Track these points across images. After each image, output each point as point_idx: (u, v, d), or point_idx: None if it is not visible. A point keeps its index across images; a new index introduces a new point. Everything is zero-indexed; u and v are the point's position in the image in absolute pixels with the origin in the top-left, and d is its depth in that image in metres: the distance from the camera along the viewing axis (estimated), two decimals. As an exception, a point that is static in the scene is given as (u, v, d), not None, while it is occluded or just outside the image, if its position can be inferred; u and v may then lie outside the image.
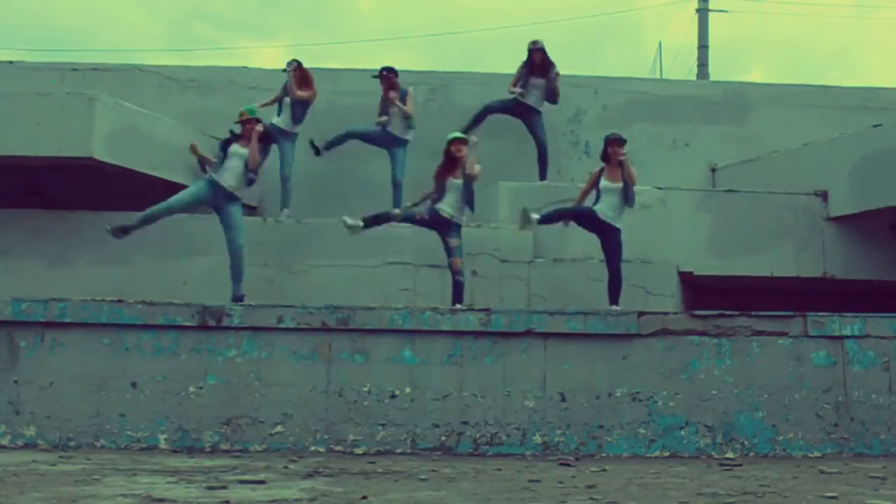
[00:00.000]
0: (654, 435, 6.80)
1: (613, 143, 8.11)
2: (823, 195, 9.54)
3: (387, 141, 9.68)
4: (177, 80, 11.08)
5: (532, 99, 9.93)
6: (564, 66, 10.03)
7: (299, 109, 9.52)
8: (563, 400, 6.84)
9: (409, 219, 8.03)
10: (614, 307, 7.76)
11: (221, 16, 61.96)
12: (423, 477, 5.32)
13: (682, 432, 6.80)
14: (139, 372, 6.81)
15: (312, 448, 6.71)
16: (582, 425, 6.80)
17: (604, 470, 5.79)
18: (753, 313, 7.01)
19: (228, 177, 7.99)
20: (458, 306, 7.58)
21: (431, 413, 6.80)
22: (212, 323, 6.88)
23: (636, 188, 8.11)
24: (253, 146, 8.06)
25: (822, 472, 5.75)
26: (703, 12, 19.15)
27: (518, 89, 9.88)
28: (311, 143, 9.71)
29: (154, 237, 8.76)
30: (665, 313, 7.20)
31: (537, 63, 9.88)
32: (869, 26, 53.31)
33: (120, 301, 6.97)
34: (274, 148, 9.21)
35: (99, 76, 10.85)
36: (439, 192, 7.98)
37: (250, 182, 8.20)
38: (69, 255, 8.74)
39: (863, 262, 9.40)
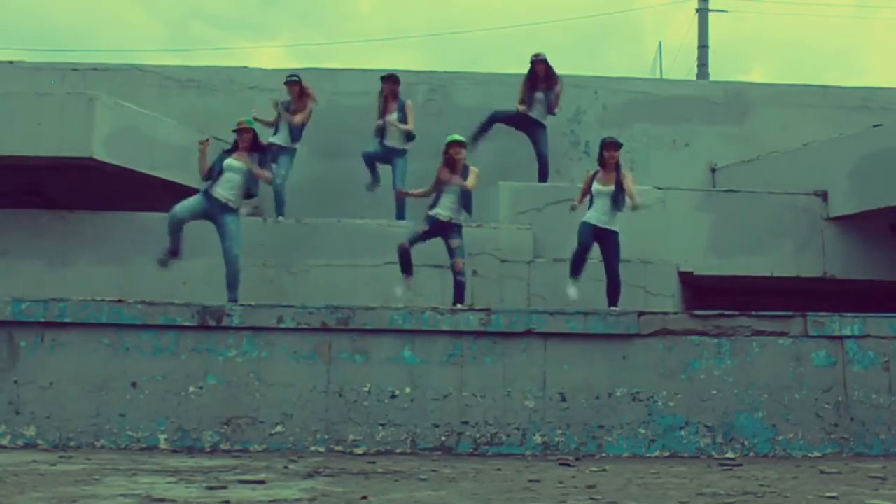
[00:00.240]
0: (654, 435, 6.80)
1: (609, 146, 8.10)
2: (823, 195, 9.54)
3: (387, 154, 9.66)
4: (177, 80, 11.07)
5: (536, 112, 9.90)
6: (564, 66, 10.04)
7: (297, 131, 9.50)
8: (563, 400, 6.84)
9: (418, 240, 8.01)
10: (615, 308, 7.76)
11: (221, 16, 62.00)
12: (423, 477, 5.32)
13: (682, 432, 6.80)
14: (139, 372, 6.81)
15: (312, 448, 6.71)
16: (582, 425, 6.81)
17: (604, 470, 5.79)
18: (753, 313, 7.01)
19: (224, 190, 7.94)
20: (459, 306, 7.59)
21: (431, 413, 6.80)
22: (212, 323, 6.88)
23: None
24: (257, 170, 8.09)
25: (822, 472, 5.75)
26: (703, 12, 19.14)
27: (522, 106, 9.85)
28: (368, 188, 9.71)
29: (154, 237, 8.75)
30: (665, 313, 7.20)
31: (541, 75, 9.85)
32: (869, 26, 53.34)
33: (120, 301, 6.97)
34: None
35: (99, 76, 10.85)
36: (435, 197, 8.00)
37: (248, 196, 8.17)
38: (69, 255, 8.73)
39: (863, 262, 9.41)
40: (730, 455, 6.70)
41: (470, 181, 7.98)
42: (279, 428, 6.76)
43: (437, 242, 8.05)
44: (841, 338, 6.96)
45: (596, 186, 8.02)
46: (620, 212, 8.00)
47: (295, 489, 4.73)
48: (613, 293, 7.91)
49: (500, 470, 5.74)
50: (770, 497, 4.63)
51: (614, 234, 7.96)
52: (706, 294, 9.58)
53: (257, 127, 8.42)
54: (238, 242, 8.00)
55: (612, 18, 58.59)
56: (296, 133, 9.49)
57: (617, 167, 8.06)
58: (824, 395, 6.88)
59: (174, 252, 8.00)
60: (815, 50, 59.16)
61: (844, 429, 6.85)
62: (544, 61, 9.85)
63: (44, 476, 5.13)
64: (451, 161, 8.01)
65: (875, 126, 9.53)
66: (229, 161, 8.01)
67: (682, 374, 6.88)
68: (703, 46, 18.82)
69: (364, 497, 4.46)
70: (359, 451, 6.69)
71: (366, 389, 6.82)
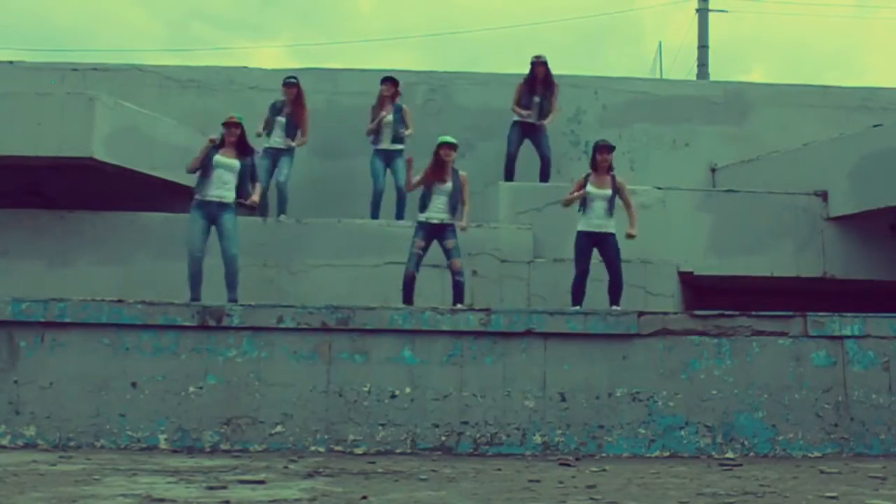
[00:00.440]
0: (654, 435, 6.80)
1: (602, 149, 8.10)
2: (823, 195, 9.54)
3: (385, 158, 9.66)
4: (177, 80, 11.07)
5: (535, 117, 9.91)
6: (564, 66, 10.13)
7: (291, 129, 9.46)
8: (563, 400, 6.84)
9: (419, 261, 7.95)
10: (615, 307, 7.76)
11: (221, 16, 62.00)
12: (423, 477, 5.32)
13: (682, 432, 6.80)
14: (139, 372, 6.81)
15: (312, 448, 6.71)
16: (582, 425, 6.81)
17: (604, 470, 5.79)
18: (753, 313, 7.01)
19: (216, 189, 7.92)
20: (459, 306, 7.58)
21: (431, 413, 6.80)
22: (212, 323, 6.88)
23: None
24: (256, 187, 8.14)
25: (822, 472, 5.75)
26: (703, 12, 19.13)
27: (526, 112, 9.83)
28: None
29: (154, 237, 8.78)
30: (665, 313, 7.20)
31: (540, 78, 9.85)
32: (869, 26, 53.34)
33: (120, 301, 6.97)
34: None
35: (99, 76, 10.84)
36: (425, 199, 7.98)
37: (242, 194, 8.16)
38: (69, 255, 8.73)
39: (863, 262, 9.41)
40: (730, 455, 6.70)
41: (466, 194, 8.05)
42: (279, 428, 6.76)
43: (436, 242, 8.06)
44: (841, 338, 6.96)
45: (591, 190, 7.99)
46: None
47: (295, 489, 4.73)
48: (616, 292, 7.91)
49: (500, 470, 5.74)
50: (770, 497, 4.63)
51: (611, 235, 7.95)
52: (706, 294, 9.57)
53: (246, 125, 8.37)
54: (236, 241, 7.98)
55: (612, 18, 58.59)
56: (291, 133, 9.45)
57: (609, 170, 8.07)
58: (824, 395, 6.88)
59: (197, 300, 7.77)
60: (815, 50, 59.18)
61: (844, 429, 6.85)
62: (545, 63, 9.84)
63: (44, 476, 5.13)
64: (441, 162, 8.00)
65: (875, 126, 9.52)
66: (218, 158, 7.98)
67: (682, 374, 6.88)
68: (703, 46, 18.82)
69: (364, 497, 4.46)
70: (359, 451, 6.69)
71: (366, 389, 6.82)
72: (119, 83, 10.68)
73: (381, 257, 8.68)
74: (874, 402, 6.89)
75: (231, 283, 7.88)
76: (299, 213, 9.41)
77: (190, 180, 8.45)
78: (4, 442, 6.71)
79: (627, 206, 8.02)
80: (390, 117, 9.59)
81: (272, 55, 60.16)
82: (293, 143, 9.43)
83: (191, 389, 6.80)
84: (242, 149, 8.14)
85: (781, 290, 9.62)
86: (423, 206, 8.01)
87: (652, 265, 8.84)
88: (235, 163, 8.01)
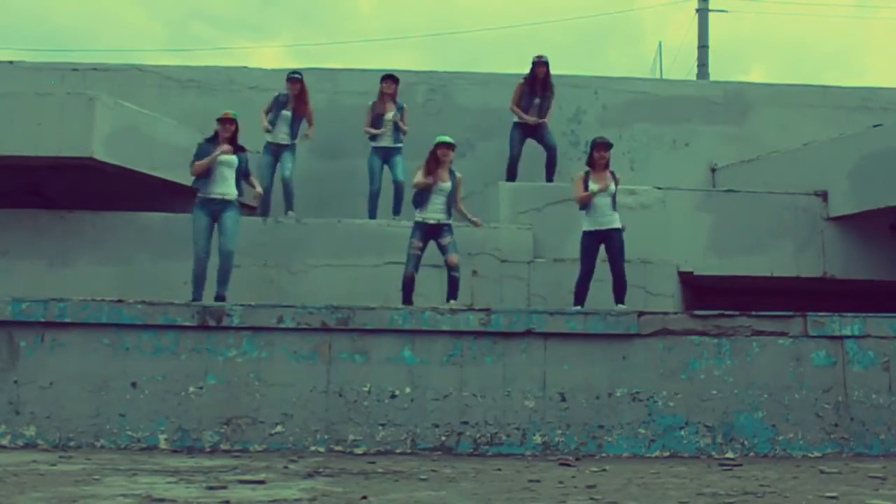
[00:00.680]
0: (654, 435, 6.80)
1: (600, 147, 8.11)
2: (823, 195, 9.54)
3: (383, 155, 9.67)
4: (177, 80, 11.08)
5: (534, 119, 9.91)
6: (564, 66, 10.17)
7: (297, 125, 9.51)
8: (563, 400, 6.84)
9: (418, 262, 7.97)
10: (620, 306, 7.76)
11: (221, 16, 62.00)
12: (423, 477, 5.32)
13: (682, 432, 6.80)
14: (139, 372, 6.81)
15: (312, 448, 6.71)
16: (582, 425, 6.80)
17: (604, 470, 5.79)
18: (753, 313, 7.01)
19: (218, 187, 7.94)
20: (457, 305, 7.58)
21: (431, 413, 6.80)
22: (212, 323, 6.88)
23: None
24: (252, 180, 8.14)
25: (822, 472, 5.75)
26: (703, 12, 19.13)
27: (531, 118, 9.83)
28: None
29: (154, 237, 8.77)
30: (665, 313, 7.20)
31: (540, 78, 9.85)
32: (869, 26, 53.34)
33: (120, 301, 6.97)
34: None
35: (99, 76, 10.85)
36: (422, 198, 7.98)
37: (240, 189, 8.17)
38: (69, 255, 8.73)
39: (863, 262, 9.41)
40: (730, 455, 6.70)
41: (458, 194, 8.11)
42: (279, 428, 6.76)
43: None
44: (841, 338, 6.96)
45: (593, 188, 8.00)
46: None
47: (295, 489, 4.73)
48: (620, 290, 7.92)
49: (500, 470, 5.74)
50: (770, 497, 4.62)
51: (617, 231, 7.96)
52: (706, 294, 9.58)
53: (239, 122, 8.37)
54: (234, 239, 7.99)
55: (612, 18, 58.58)
56: (295, 131, 9.51)
57: (606, 167, 8.08)
58: (824, 395, 6.88)
59: (203, 280, 7.88)
60: (815, 50, 59.18)
61: (844, 429, 6.85)
62: (546, 64, 9.84)
63: (44, 476, 5.13)
64: (439, 162, 8.01)
65: (875, 126, 9.53)
66: (220, 157, 7.99)
67: (682, 374, 6.88)
68: (703, 46, 18.82)
69: (364, 497, 4.45)
70: (359, 451, 6.69)
71: (366, 389, 6.82)
72: (119, 83, 10.69)
73: (381, 257, 8.68)
74: (874, 402, 6.89)
75: (223, 278, 7.88)
76: (299, 212, 9.43)
77: (190, 180, 8.45)
78: (4, 442, 6.71)
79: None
80: (390, 115, 9.60)
81: (272, 55, 60.17)
82: (298, 140, 9.46)
83: (191, 389, 6.80)
84: (236, 145, 8.15)
85: (781, 290, 9.62)
86: (421, 206, 8.01)
87: (652, 265, 8.83)
88: (234, 159, 8.04)
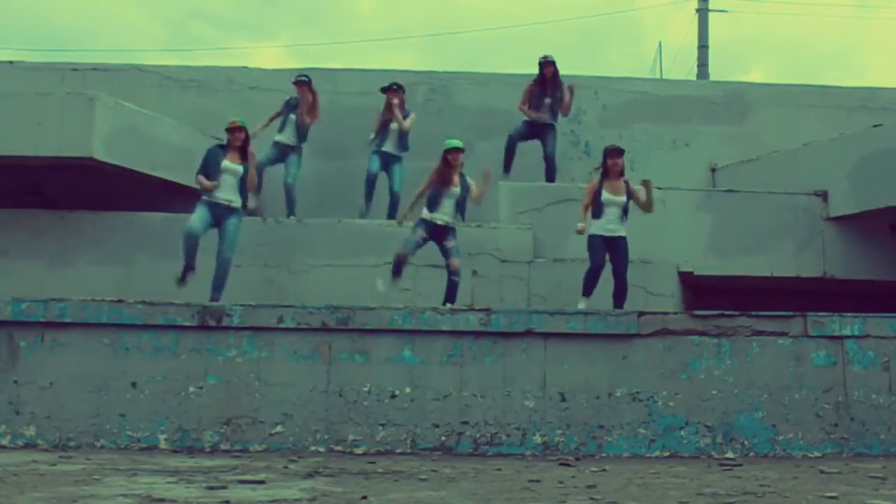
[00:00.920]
0: (654, 435, 6.80)
1: (613, 154, 8.09)
2: (823, 195, 9.54)
3: (386, 164, 9.68)
4: (177, 80, 11.08)
5: (546, 117, 9.92)
6: (564, 66, 10.03)
7: (305, 131, 9.54)
8: (563, 400, 6.84)
9: (417, 248, 8.04)
10: (616, 308, 7.76)
11: (221, 16, 62.00)
12: (423, 477, 5.32)
13: (682, 432, 6.80)
14: (139, 372, 6.81)
15: (312, 448, 6.71)
16: (582, 425, 6.80)
17: (604, 470, 5.79)
18: (753, 313, 7.01)
19: (225, 193, 7.93)
20: (456, 306, 7.58)
21: (431, 413, 6.80)
22: (212, 323, 6.88)
23: (637, 188, 8.13)
24: (251, 171, 8.11)
25: (822, 472, 5.75)
26: (703, 12, 19.14)
27: (534, 113, 9.84)
28: (361, 213, 9.67)
29: (154, 237, 8.78)
30: (665, 313, 7.20)
31: (549, 78, 9.85)
32: (869, 26, 53.33)
33: (120, 301, 6.97)
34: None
35: (99, 76, 10.85)
36: (433, 202, 7.99)
37: (245, 198, 8.17)
38: (69, 255, 8.74)
39: (863, 262, 9.41)
40: (730, 455, 6.70)
41: (477, 190, 8.09)
42: (279, 428, 6.76)
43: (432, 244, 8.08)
44: (841, 338, 6.95)
45: (607, 197, 7.99)
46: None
47: (295, 489, 4.73)
48: (620, 297, 7.94)
49: (500, 470, 5.74)
50: (770, 497, 4.62)
51: (623, 239, 8.00)
52: (706, 294, 9.58)
53: (249, 127, 8.38)
54: (234, 246, 7.99)
55: (612, 18, 58.58)
56: (303, 133, 9.54)
57: (621, 175, 8.07)
58: (824, 395, 6.88)
59: (191, 267, 7.91)
60: (815, 50, 59.18)
61: (844, 429, 6.84)
62: (553, 63, 9.85)
63: (44, 476, 5.13)
64: (450, 167, 8.03)
65: (875, 126, 9.53)
66: (226, 163, 7.99)
67: (682, 374, 6.88)
68: (703, 46, 18.82)
69: (364, 497, 4.45)
70: (359, 451, 6.69)
71: (366, 389, 6.82)
72: (119, 83, 10.69)
73: (381, 257, 8.68)
74: (874, 402, 6.89)
75: (218, 284, 7.87)
76: (299, 212, 9.44)
77: (190, 180, 8.46)
78: (4, 442, 6.71)
79: (647, 204, 8.07)
80: (395, 125, 9.60)
81: (272, 55, 60.17)
82: (302, 144, 9.50)
83: (191, 389, 6.80)
84: (245, 154, 8.13)
85: (781, 290, 9.62)
86: (432, 208, 8.01)
87: (652, 265, 8.83)
88: (240, 168, 8.01)
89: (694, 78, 18.11)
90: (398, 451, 6.70)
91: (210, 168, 7.93)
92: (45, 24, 53.98)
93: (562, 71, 10.08)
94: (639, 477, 5.42)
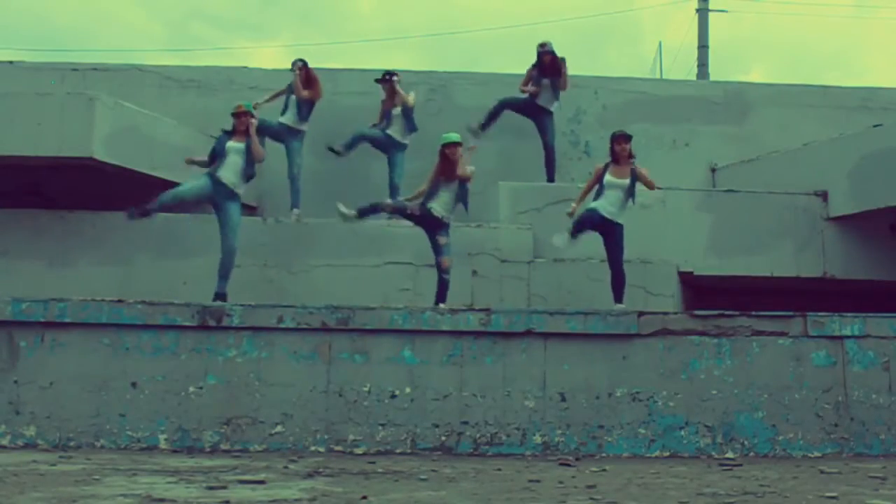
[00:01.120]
0: (654, 435, 6.80)
1: (620, 139, 8.11)
2: (823, 195, 9.54)
3: (387, 145, 9.70)
4: (177, 80, 11.08)
5: (544, 100, 9.93)
6: (564, 66, 10.03)
7: (305, 108, 9.54)
8: (563, 400, 6.84)
9: (400, 210, 8.05)
10: (619, 305, 7.76)
11: (221, 16, 62.01)
12: (423, 477, 5.32)
13: (682, 432, 6.80)
14: (139, 372, 6.81)
15: (312, 448, 6.71)
16: (582, 425, 6.80)
17: (604, 470, 5.79)
18: (753, 313, 7.01)
19: (228, 173, 8.01)
20: (452, 306, 7.57)
21: (431, 413, 6.80)
22: (212, 323, 6.88)
23: (637, 188, 8.13)
24: (254, 140, 8.11)
25: (822, 472, 5.75)
26: (703, 12, 19.14)
27: (531, 87, 9.87)
28: (330, 149, 9.70)
29: (154, 237, 8.78)
30: (665, 313, 7.20)
31: (547, 64, 9.87)
32: (868, 26, 53.34)
33: (120, 301, 6.97)
34: (279, 148, 9.28)
35: (99, 76, 10.85)
36: (431, 192, 8.00)
37: (249, 178, 8.19)
38: (69, 255, 8.74)
39: (863, 262, 9.41)
40: (730, 455, 6.70)
41: (469, 169, 7.99)
42: (279, 428, 6.76)
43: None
44: (841, 338, 6.96)
45: (609, 179, 8.01)
46: (632, 203, 8.02)
47: (295, 489, 4.73)
48: (618, 288, 7.92)
49: (500, 470, 5.74)
50: (770, 497, 4.62)
51: (619, 226, 7.96)
52: (706, 294, 9.58)
53: (255, 113, 8.44)
54: (237, 233, 8.04)
55: (612, 18, 58.60)
56: (304, 112, 9.52)
57: (630, 159, 8.06)
58: (824, 395, 6.88)
59: (149, 213, 7.98)
60: (815, 50, 59.19)
61: (844, 429, 6.85)
62: (550, 52, 9.86)
63: (44, 476, 5.13)
64: (447, 160, 8.02)
65: (875, 126, 9.53)
66: (231, 143, 8.08)
67: (682, 374, 6.88)
68: (703, 46, 18.83)
69: (364, 497, 4.45)
70: (359, 451, 6.69)
71: (366, 389, 6.82)
72: (119, 83, 10.69)
73: (381, 257, 8.68)
74: (874, 402, 6.89)
75: (224, 273, 7.93)
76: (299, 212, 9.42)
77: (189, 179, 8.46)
78: (4, 442, 6.71)
79: (646, 182, 8.01)
80: (397, 110, 9.62)
81: (272, 55, 60.17)
82: (304, 126, 9.52)
83: (191, 389, 6.80)
84: (250, 136, 8.19)
85: (781, 290, 9.62)
86: (428, 198, 7.99)
87: (652, 265, 8.83)
88: (241, 146, 8.11)
89: (694, 78, 18.11)
90: (398, 451, 6.70)
91: (216, 152, 8.07)
92: (45, 24, 54.01)
93: (561, 71, 10.07)
94: (639, 477, 5.42)
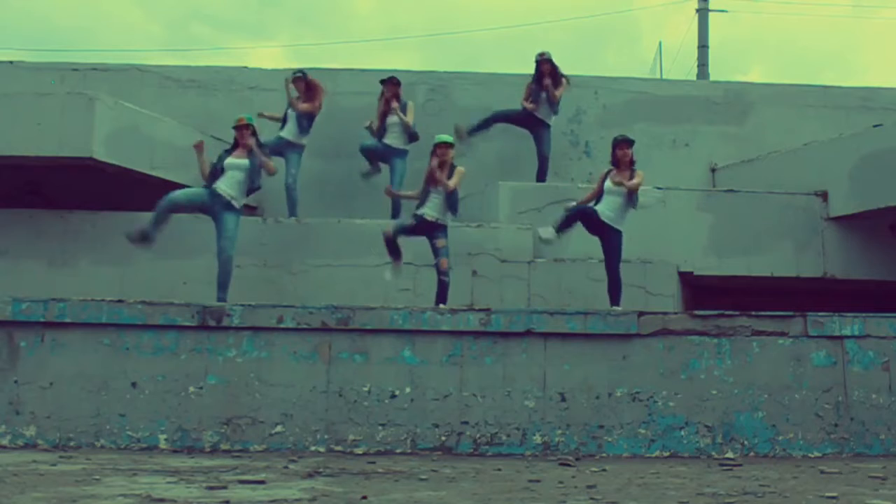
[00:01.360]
0: (654, 435, 6.80)
1: (622, 144, 8.08)
2: (823, 195, 9.54)
3: (386, 153, 9.69)
4: (177, 80, 11.08)
5: (542, 112, 9.92)
6: (564, 66, 10.03)
7: (305, 121, 9.53)
8: (563, 400, 6.84)
9: (403, 232, 8.06)
10: (615, 308, 7.76)
11: (220, 16, 62.01)
12: (423, 477, 5.32)
13: (682, 432, 6.80)
14: (139, 372, 6.81)
15: (312, 448, 6.71)
16: (582, 425, 6.80)
17: (604, 470, 5.79)
18: (753, 313, 7.01)
19: (227, 186, 7.98)
20: (453, 306, 7.57)
21: (431, 413, 6.80)
22: (212, 323, 6.88)
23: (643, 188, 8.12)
24: (260, 155, 8.09)
25: (822, 472, 5.75)
26: (702, 12, 19.15)
27: (530, 104, 9.86)
28: (364, 176, 9.73)
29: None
30: (665, 313, 7.20)
31: (546, 74, 9.86)
32: (868, 26, 53.36)
33: (120, 301, 6.97)
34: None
35: (99, 76, 10.85)
36: (423, 198, 8.02)
37: (252, 191, 8.18)
38: (69, 255, 8.74)
39: (863, 262, 9.41)
40: (730, 455, 6.70)
41: (452, 181, 7.97)
42: (279, 428, 6.76)
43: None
44: (841, 338, 6.95)
45: (608, 185, 7.99)
46: (632, 209, 7.98)
47: (295, 489, 4.73)
48: (614, 292, 7.90)
49: (500, 470, 5.74)
50: (770, 497, 4.62)
51: (617, 233, 7.92)
52: (706, 294, 9.58)
53: (258, 124, 8.43)
54: (234, 243, 8.01)
55: (612, 19, 58.60)
56: (304, 125, 9.51)
57: (631, 164, 8.04)
58: (824, 395, 6.88)
59: (149, 238, 7.85)
60: (815, 50, 59.20)
61: (844, 429, 6.84)
62: (549, 61, 9.85)
63: (44, 476, 5.13)
64: (441, 162, 8.03)
65: (875, 126, 9.53)
66: (230, 160, 8.04)
67: (682, 374, 6.88)
68: (702, 46, 18.83)
69: (364, 497, 4.45)
70: (359, 451, 6.69)
71: (366, 389, 6.82)
72: (119, 83, 10.70)
73: (381, 257, 8.67)
74: (874, 402, 6.89)
75: (223, 283, 7.89)
76: (300, 213, 9.43)
77: (190, 180, 8.47)
78: (4, 442, 6.71)
79: (631, 187, 7.90)
80: (394, 118, 9.61)
81: (271, 55, 60.21)
82: (304, 140, 9.50)
83: (191, 389, 6.80)
84: (252, 149, 8.15)
85: (781, 290, 9.62)
86: (421, 203, 8.03)
87: (652, 265, 8.83)
88: (245, 162, 8.05)
89: (694, 78, 18.11)
90: (398, 451, 6.70)
91: (215, 169, 8.02)
92: (45, 24, 54.01)
93: (562, 71, 10.06)
94: (639, 477, 5.42)
